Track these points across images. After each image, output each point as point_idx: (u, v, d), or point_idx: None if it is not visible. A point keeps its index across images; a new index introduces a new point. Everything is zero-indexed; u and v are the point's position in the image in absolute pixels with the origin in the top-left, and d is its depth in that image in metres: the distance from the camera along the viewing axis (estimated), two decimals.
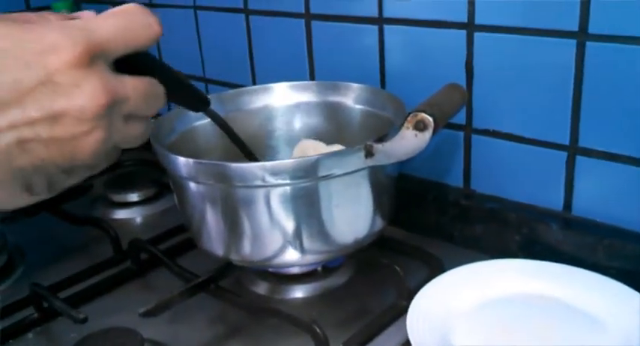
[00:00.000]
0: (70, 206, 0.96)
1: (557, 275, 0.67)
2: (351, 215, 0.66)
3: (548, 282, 0.66)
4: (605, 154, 0.67)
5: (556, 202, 0.72)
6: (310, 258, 0.67)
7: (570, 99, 0.67)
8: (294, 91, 0.82)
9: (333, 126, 0.81)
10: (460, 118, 0.76)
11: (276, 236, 0.64)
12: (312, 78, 0.91)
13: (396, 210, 0.72)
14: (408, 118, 0.58)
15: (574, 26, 0.64)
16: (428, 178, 0.83)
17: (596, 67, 0.65)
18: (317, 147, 0.75)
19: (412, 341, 0.58)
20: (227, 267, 0.70)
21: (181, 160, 0.62)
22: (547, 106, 0.69)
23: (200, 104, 0.58)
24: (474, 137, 0.77)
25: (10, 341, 0.68)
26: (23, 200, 0.39)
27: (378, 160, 0.61)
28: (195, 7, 1.04)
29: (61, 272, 0.79)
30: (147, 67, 0.42)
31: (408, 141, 0.58)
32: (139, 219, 0.95)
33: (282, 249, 0.65)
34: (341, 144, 0.76)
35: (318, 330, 0.60)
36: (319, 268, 0.73)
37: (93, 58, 0.36)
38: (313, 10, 0.87)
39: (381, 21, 0.80)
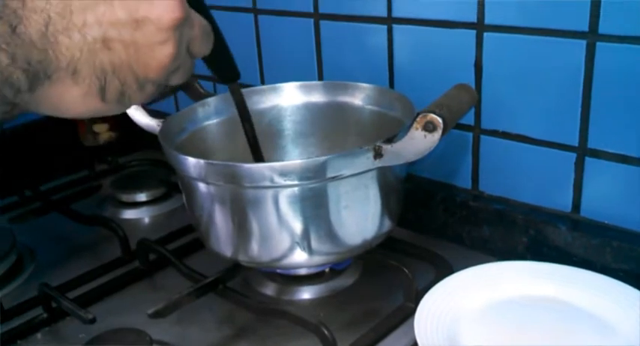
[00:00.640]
0: (79, 206, 0.97)
1: (565, 278, 0.67)
2: (360, 216, 0.65)
3: (556, 285, 0.66)
4: (615, 156, 0.66)
5: (564, 204, 0.72)
6: (318, 259, 0.66)
7: (580, 100, 0.67)
8: (302, 91, 0.82)
9: (342, 126, 0.81)
10: (469, 119, 0.76)
11: (284, 237, 0.64)
12: (320, 77, 0.91)
13: (404, 211, 0.72)
14: (417, 119, 0.57)
15: (584, 27, 0.64)
16: (436, 179, 0.83)
17: (606, 67, 0.64)
18: None
19: (420, 344, 0.58)
20: (235, 268, 0.70)
21: (191, 161, 0.62)
22: (556, 107, 0.69)
23: (231, 75, 0.60)
24: (483, 138, 0.76)
25: (19, 341, 0.68)
26: (94, 103, 0.41)
27: (387, 161, 0.60)
28: None
29: (70, 271, 0.79)
30: (207, 15, 0.50)
31: (418, 142, 0.58)
32: (147, 219, 0.96)
33: (290, 250, 0.65)
34: (350, 144, 0.76)
35: (325, 332, 0.59)
36: (327, 269, 0.73)
37: None
38: (322, 9, 0.87)
39: (390, 21, 0.79)
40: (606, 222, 0.70)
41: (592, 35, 0.64)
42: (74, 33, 0.38)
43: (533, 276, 0.67)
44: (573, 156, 0.69)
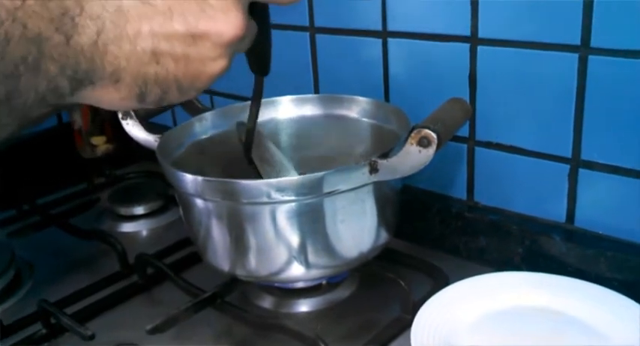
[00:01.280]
0: (78, 219, 0.97)
1: (560, 288, 0.67)
2: (356, 229, 0.66)
3: (552, 295, 0.67)
4: (608, 167, 0.67)
5: (559, 214, 0.73)
6: (315, 273, 0.67)
7: (573, 113, 0.68)
8: (299, 104, 0.83)
9: (338, 138, 0.82)
10: (463, 131, 0.77)
11: (281, 251, 0.64)
12: (316, 90, 0.91)
13: (401, 222, 0.73)
14: (412, 134, 0.58)
15: (576, 40, 0.65)
16: (432, 190, 0.83)
17: (599, 80, 0.65)
18: None
19: None
20: (232, 282, 0.71)
21: (188, 177, 0.63)
22: (549, 119, 0.70)
23: (262, 70, 0.60)
24: (477, 149, 0.77)
25: None
26: (131, 104, 0.40)
27: (382, 176, 0.61)
28: None
29: (69, 286, 0.80)
30: (264, 14, 0.50)
31: (412, 157, 0.59)
32: (145, 232, 0.96)
33: (287, 264, 0.65)
34: (346, 157, 0.77)
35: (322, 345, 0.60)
36: (324, 282, 0.74)
37: None
38: (318, 23, 0.87)
39: (385, 34, 0.80)
40: (600, 232, 0.70)
41: (584, 48, 0.65)
42: (125, 43, 0.37)
43: (528, 287, 0.68)
44: (567, 167, 0.70)
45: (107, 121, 1.10)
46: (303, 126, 0.83)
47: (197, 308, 0.68)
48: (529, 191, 0.74)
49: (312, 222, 0.63)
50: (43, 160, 1.11)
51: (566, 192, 0.71)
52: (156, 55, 0.38)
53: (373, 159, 0.61)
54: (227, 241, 0.66)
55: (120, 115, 0.76)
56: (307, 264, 0.65)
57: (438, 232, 0.81)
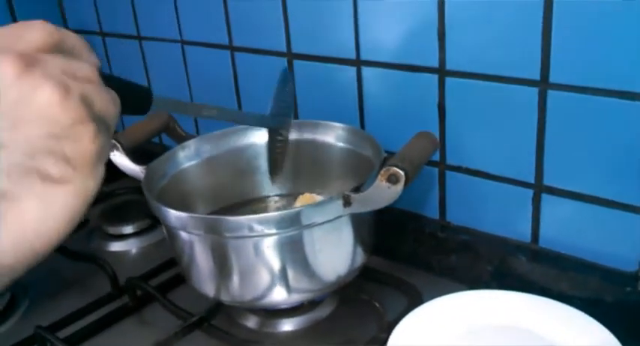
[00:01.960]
0: (69, 238, 1.00)
1: (525, 306, 0.71)
2: (334, 256, 0.70)
3: (518, 312, 0.71)
4: (568, 193, 0.72)
5: (524, 235, 0.77)
6: (296, 297, 0.72)
7: (534, 142, 0.72)
8: None
9: (315, 162, 0.86)
10: (435, 155, 0.81)
11: (264, 279, 0.68)
12: (295, 115, 0.95)
13: (378, 240, 0.77)
14: (382, 172, 0.62)
15: (536, 75, 0.69)
16: (407, 210, 0.88)
17: (558, 113, 0.69)
18: (315, 199, 0.80)
19: None
20: (218, 305, 0.75)
21: (172, 213, 0.66)
22: (513, 147, 0.74)
23: (145, 101, 0.51)
24: (448, 173, 0.81)
25: None
26: (62, 196, 0.38)
27: (355, 209, 0.65)
28: (183, 42, 1.08)
29: (63, 307, 0.83)
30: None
31: (382, 192, 0.63)
32: (134, 250, 1.00)
33: (269, 290, 0.69)
34: (323, 179, 0.82)
35: None
36: (305, 302, 0.78)
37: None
38: (295, 49, 0.91)
39: (358, 62, 0.84)
40: (562, 252, 0.75)
41: (543, 84, 0.69)
42: None
43: (496, 305, 0.72)
44: (530, 192, 0.75)
45: None
46: None
47: (185, 333, 0.72)
48: (497, 213, 0.79)
49: (293, 252, 0.67)
50: None
51: (531, 215, 0.76)
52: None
53: (346, 193, 0.65)
54: (211, 270, 0.70)
55: None
56: (289, 289, 0.70)
57: (412, 250, 0.86)
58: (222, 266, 0.69)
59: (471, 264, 0.80)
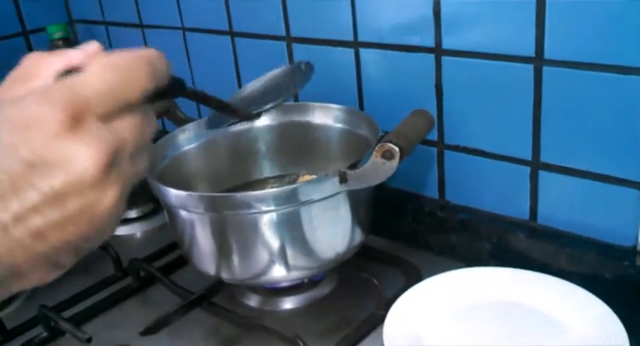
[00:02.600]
0: None
1: (524, 282, 0.72)
2: (332, 233, 0.71)
3: (517, 288, 0.71)
4: (565, 169, 0.72)
5: (523, 212, 0.78)
6: (296, 274, 0.72)
7: (531, 119, 0.72)
8: (276, 112, 0.87)
9: (314, 143, 0.87)
10: (433, 135, 0.81)
11: (263, 257, 0.69)
12: (295, 98, 0.96)
13: (376, 220, 0.78)
14: (377, 148, 0.63)
15: (531, 52, 0.69)
16: (406, 190, 0.88)
17: (553, 89, 0.69)
18: None
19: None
20: (219, 284, 0.76)
21: (172, 192, 0.67)
22: (510, 125, 0.74)
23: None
24: (446, 152, 0.82)
25: None
26: (56, 274, 0.36)
27: (351, 185, 0.66)
28: (184, 29, 1.09)
29: (68, 288, 0.84)
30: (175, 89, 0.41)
31: (378, 168, 0.64)
32: (138, 234, 1.01)
33: (269, 268, 0.70)
34: (321, 160, 0.82)
35: (300, 343, 0.65)
36: (306, 280, 0.79)
37: (78, 120, 0.32)
38: (293, 33, 0.92)
39: (356, 44, 0.85)
40: (561, 228, 0.75)
41: (538, 60, 0.69)
42: None
43: (494, 281, 0.73)
44: (528, 169, 0.75)
45: None
46: (280, 132, 0.88)
47: (186, 310, 0.73)
48: (495, 191, 0.79)
49: (291, 229, 0.68)
50: None
51: (529, 192, 0.76)
52: (37, 236, 0.32)
53: (342, 170, 0.66)
54: (211, 248, 0.71)
55: None
56: (287, 267, 0.70)
57: (412, 229, 0.86)
58: (221, 243, 0.69)
59: (471, 242, 0.81)
